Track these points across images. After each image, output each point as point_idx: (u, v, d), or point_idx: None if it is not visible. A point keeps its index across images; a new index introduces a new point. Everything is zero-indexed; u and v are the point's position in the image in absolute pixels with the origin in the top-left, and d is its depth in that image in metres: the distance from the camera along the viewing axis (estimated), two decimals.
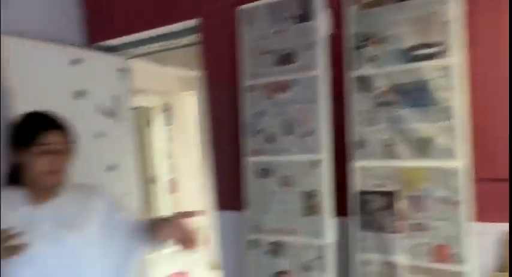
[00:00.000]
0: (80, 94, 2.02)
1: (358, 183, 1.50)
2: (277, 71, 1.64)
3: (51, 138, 1.11)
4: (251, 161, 1.70)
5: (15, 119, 1.19)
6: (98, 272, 1.18)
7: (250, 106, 1.70)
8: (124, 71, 2.30)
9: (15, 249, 0.92)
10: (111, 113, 2.18)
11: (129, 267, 1.29)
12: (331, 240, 1.54)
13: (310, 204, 1.57)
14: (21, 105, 1.70)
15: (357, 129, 1.48)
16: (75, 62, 2.01)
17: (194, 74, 3.77)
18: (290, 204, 1.60)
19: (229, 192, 1.87)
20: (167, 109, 4.66)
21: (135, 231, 1.28)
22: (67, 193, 1.21)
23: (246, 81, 1.71)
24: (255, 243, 1.69)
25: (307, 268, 1.57)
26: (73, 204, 1.19)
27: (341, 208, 1.56)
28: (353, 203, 1.50)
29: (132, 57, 2.36)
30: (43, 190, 1.15)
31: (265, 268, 1.66)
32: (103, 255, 1.19)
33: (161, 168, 4.53)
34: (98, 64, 2.14)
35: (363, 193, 1.50)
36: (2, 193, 1.14)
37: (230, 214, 1.89)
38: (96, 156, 2.01)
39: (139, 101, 3.67)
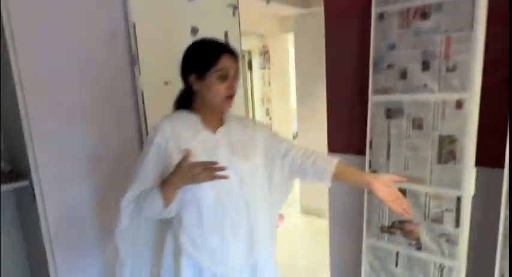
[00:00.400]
0: (194, 30, 2.02)
1: None
2: None
3: (228, 63, 1.10)
4: (378, 100, 1.53)
5: (187, 47, 1.19)
6: (261, 203, 1.18)
7: (380, 36, 1.49)
8: (234, 7, 2.22)
9: (211, 175, 0.97)
10: None
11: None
12: (469, 192, 1.35)
13: (447, 151, 1.37)
14: (144, 42, 1.79)
15: None
16: None
17: (296, 12, 3.55)
18: (422, 149, 1.42)
19: (348, 133, 1.75)
20: (265, 52, 4.56)
21: (310, 161, 1.22)
22: (233, 122, 1.22)
23: (378, 7, 1.49)
24: None
25: (435, 220, 1.42)
26: (241, 133, 1.20)
27: (483, 158, 1.34)
28: (506, 152, 1.26)
29: None
30: (214, 116, 1.18)
31: (385, 215, 1.56)
32: (264, 187, 1.21)
33: (258, 112, 4.57)
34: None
35: None
36: (178, 116, 1.17)
37: (346, 158, 1.78)
38: None
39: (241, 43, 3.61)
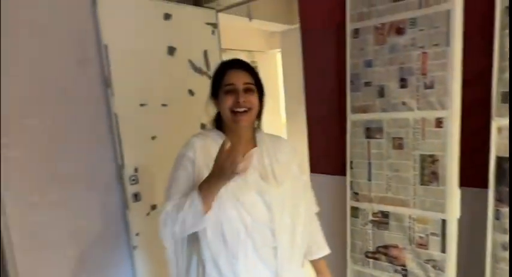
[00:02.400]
0: (171, 50, 1.98)
1: (496, 146, 1.18)
2: (391, 8, 1.34)
3: (234, 77, 1.08)
4: (356, 118, 1.47)
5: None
6: (288, 228, 1.11)
7: (356, 53, 1.45)
8: (213, 25, 2.19)
9: (234, 171, 0.90)
10: (201, 69, 2.12)
11: None
12: (455, 215, 1.28)
13: (429, 171, 1.31)
14: (118, 63, 1.74)
15: (505, 77, 1.14)
16: (168, 16, 1.95)
17: (282, 28, 3.54)
18: (403, 170, 1.36)
19: (328, 153, 1.68)
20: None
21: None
22: (267, 144, 1.16)
23: (353, 23, 1.45)
24: (357, 212, 1.51)
25: (421, 244, 1.34)
26: (274, 158, 1.14)
27: (466, 178, 1.27)
28: (490, 171, 1.20)
29: (219, 10, 2.24)
30: (243, 138, 1.08)
31: (369, 240, 1.48)
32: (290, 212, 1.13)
33: None
34: (187, 18, 2.05)
35: (501, 159, 1.18)
36: (206, 134, 1.14)
37: (326, 179, 1.72)
38: (187, 113, 1.98)
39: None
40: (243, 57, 4.31)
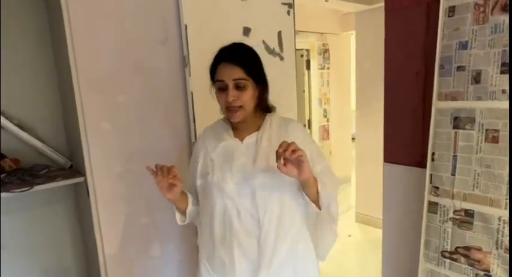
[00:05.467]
0: (247, 31, 1.98)
1: None
2: None
3: (225, 73, 1.04)
4: (443, 106, 1.34)
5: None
6: (278, 222, 1.06)
7: (450, 34, 1.30)
8: (289, 5, 2.14)
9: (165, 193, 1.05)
10: (274, 50, 2.09)
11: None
12: None
13: None
14: (195, 43, 1.79)
15: None
16: None
17: (358, 8, 3.35)
18: (497, 166, 1.21)
19: (407, 143, 1.57)
20: (324, 51, 4.40)
21: None
22: (271, 129, 1.12)
23: (448, 0, 1.30)
24: (435, 207, 1.40)
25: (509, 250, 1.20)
26: (275, 141, 1.04)
27: None
28: None
29: None
30: (247, 124, 1.11)
31: (447, 238, 1.36)
32: (288, 205, 1.08)
33: (315, 113, 4.43)
34: None
35: None
36: (214, 126, 1.21)
37: (400, 169, 1.61)
38: None
39: (299, 42, 3.51)
40: (315, 39, 4.19)
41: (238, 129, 1.13)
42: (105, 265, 1.64)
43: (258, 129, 1.12)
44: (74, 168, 1.79)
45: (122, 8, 1.60)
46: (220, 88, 1.06)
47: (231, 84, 1.04)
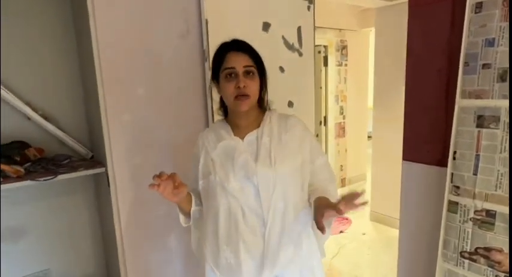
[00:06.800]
0: (266, 26, 1.98)
1: None
2: None
3: (234, 61, 1.06)
4: (467, 104, 1.32)
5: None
6: (282, 219, 1.06)
7: (476, 31, 1.27)
8: (309, 1, 2.13)
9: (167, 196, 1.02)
10: (293, 46, 2.09)
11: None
12: None
13: None
14: (215, 38, 1.80)
15: None
16: None
17: (378, 4, 3.30)
18: None
19: (427, 140, 1.55)
20: (342, 47, 4.35)
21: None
22: (272, 125, 1.12)
23: None
24: (455, 207, 1.38)
25: None
26: (276, 138, 1.10)
27: None
28: None
29: None
30: (247, 121, 1.12)
31: (466, 239, 1.34)
32: (292, 202, 1.08)
33: (332, 110, 4.39)
34: None
35: None
36: (214, 126, 1.21)
37: (420, 168, 1.59)
38: (276, 90, 1.98)
39: (317, 38, 3.48)
40: (333, 35, 4.16)
41: (238, 128, 1.13)
42: (123, 253, 1.68)
43: (258, 126, 1.13)
44: (94, 158, 1.83)
45: (145, 2, 1.62)
46: (230, 75, 1.06)
47: (241, 71, 1.06)
